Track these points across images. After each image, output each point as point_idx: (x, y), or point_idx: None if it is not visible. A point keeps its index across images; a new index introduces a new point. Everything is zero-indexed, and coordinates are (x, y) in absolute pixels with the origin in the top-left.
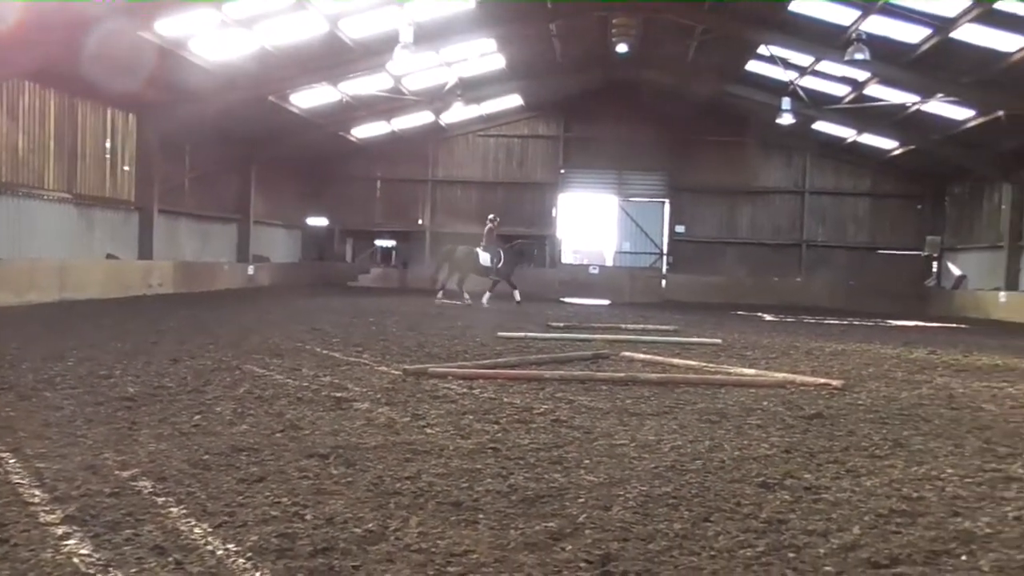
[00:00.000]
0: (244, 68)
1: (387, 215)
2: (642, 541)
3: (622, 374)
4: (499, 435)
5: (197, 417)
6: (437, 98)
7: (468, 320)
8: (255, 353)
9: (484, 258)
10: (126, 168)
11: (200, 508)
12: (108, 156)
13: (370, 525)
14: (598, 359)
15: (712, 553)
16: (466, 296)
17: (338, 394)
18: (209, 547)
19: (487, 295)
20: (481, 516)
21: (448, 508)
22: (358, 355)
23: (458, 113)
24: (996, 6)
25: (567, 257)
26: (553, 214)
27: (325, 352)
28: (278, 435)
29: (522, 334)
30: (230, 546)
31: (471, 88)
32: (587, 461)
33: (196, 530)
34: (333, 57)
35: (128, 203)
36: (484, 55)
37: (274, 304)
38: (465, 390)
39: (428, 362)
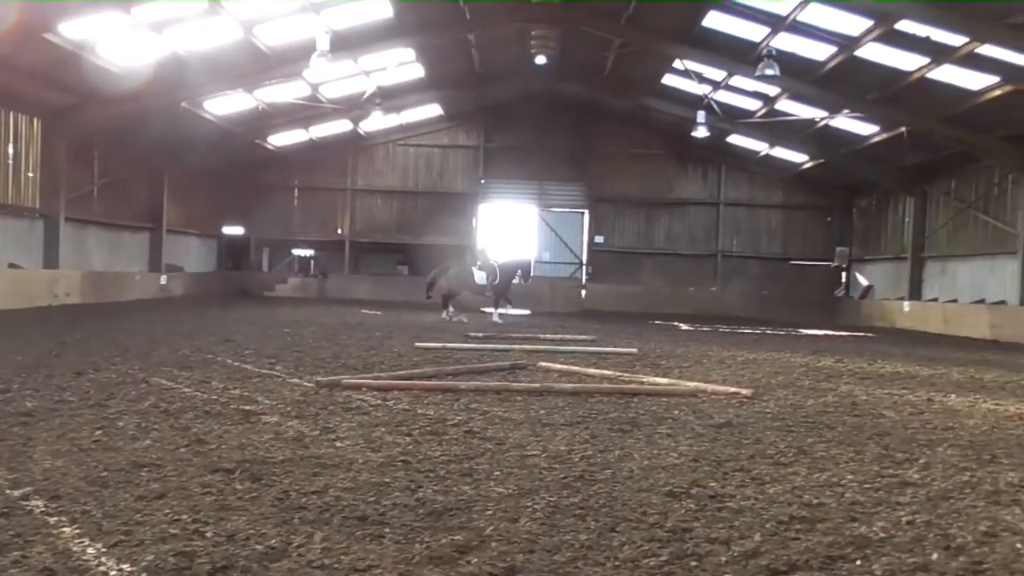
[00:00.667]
0: (155, 73)
1: (305, 224)
2: (548, 553)
3: (537, 384)
4: (410, 447)
5: (98, 432)
6: (356, 107)
7: (387, 331)
8: (163, 365)
9: (479, 276)
10: (31, 174)
11: (95, 527)
12: (11, 162)
13: (272, 541)
14: (515, 369)
15: (616, 563)
16: (450, 311)
17: (247, 407)
18: (102, 568)
19: (495, 312)
20: (387, 530)
21: (354, 523)
22: (271, 367)
23: (377, 122)
24: (896, 26)
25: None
26: (473, 224)
27: (236, 364)
28: (182, 450)
29: (440, 345)
30: (124, 566)
31: (390, 97)
32: (497, 473)
33: (89, 550)
34: (248, 64)
35: (32, 210)
36: (403, 64)
37: (186, 315)
38: (379, 402)
39: (343, 373)
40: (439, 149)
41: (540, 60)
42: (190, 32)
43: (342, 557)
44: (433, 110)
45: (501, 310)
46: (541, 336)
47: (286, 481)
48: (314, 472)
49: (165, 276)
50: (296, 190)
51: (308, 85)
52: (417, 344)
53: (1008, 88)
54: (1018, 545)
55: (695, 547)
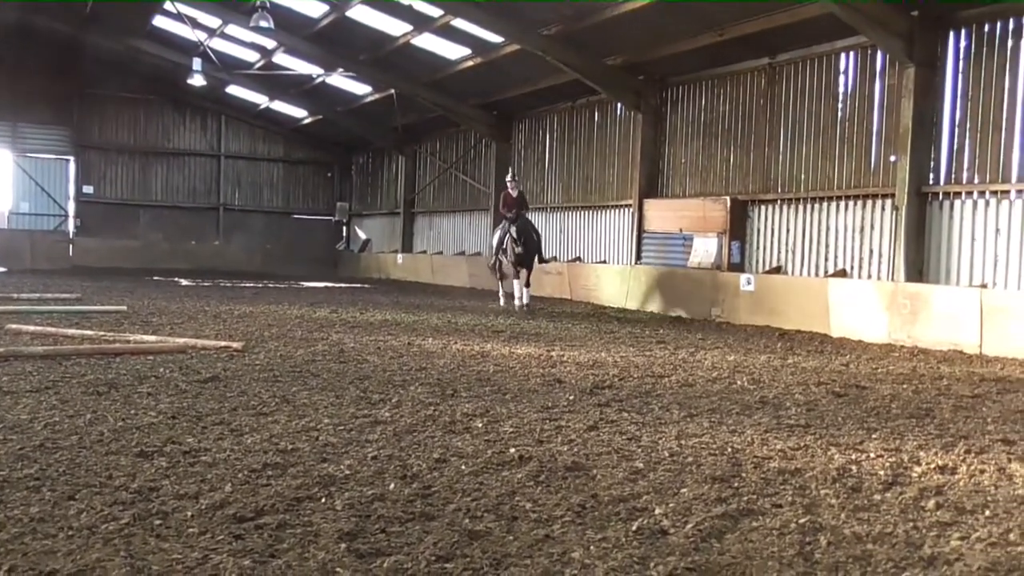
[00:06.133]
0: None
1: None
2: None
3: (1, 349)
4: None
5: None
6: None
7: None
8: None
9: (497, 235)
10: None
11: None
12: None
13: None
14: None
15: (70, 532)
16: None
17: None
18: None
19: (524, 292)
20: None
21: None
22: None
23: None
24: None
25: None
26: None
27: None
28: None
29: None
30: None
31: None
32: None
33: None
34: None
35: None
36: None
37: None
38: None
39: None
40: None
41: None
42: None
43: None
44: None
45: (524, 296)
46: (15, 296)
47: None
48: None
49: None
50: None
51: None
52: None
53: (478, 60)
54: (463, 467)
55: (161, 505)
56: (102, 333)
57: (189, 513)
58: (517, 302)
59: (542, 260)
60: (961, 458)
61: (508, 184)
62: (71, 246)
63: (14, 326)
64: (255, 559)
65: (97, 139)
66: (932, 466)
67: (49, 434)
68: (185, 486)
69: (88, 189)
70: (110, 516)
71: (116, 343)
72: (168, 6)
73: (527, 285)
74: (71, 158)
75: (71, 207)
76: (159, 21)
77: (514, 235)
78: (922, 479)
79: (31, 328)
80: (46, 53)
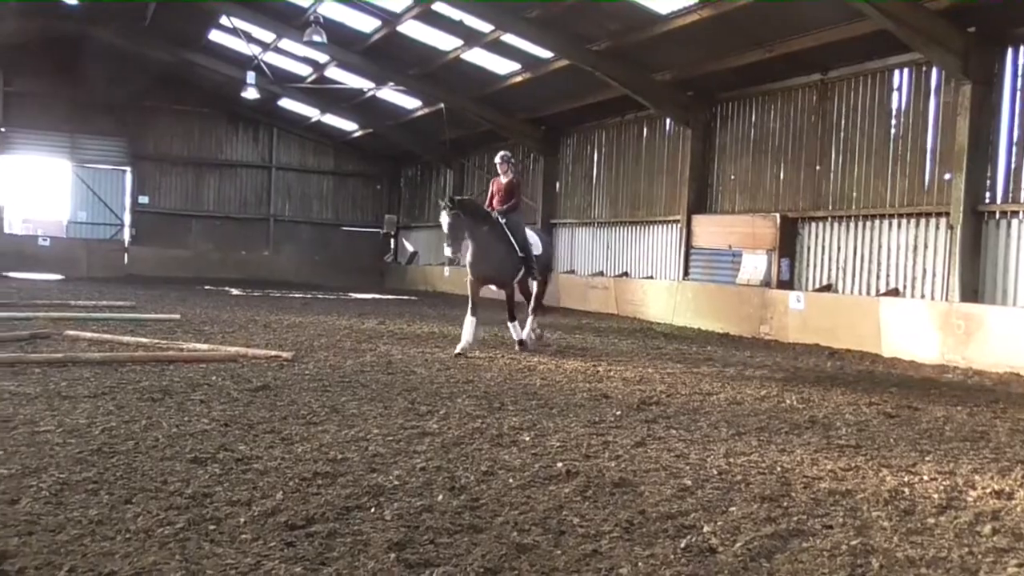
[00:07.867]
0: None
1: None
2: (50, 532)
3: (60, 355)
4: None
5: None
6: None
7: None
8: None
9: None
10: None
11: None
12: None
13: None
14: (35, 339)
15: (127, 535)
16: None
17: None
18: None
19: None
20: None
21: None
22: None
23: None
24: (434, 7)
25: (12, 227)
26: None
27: None
28: None
29: None
30: None
31: None
32: (0, 452)
33: None
34: None
35: None
36: None
37: None
38: None
39: None
40: None
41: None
42: None
43: None
44: None
45: (524, 328)
46: (73, 303)
47: None
48: None
49: None
50: None
51: None
52: None
53: (527, 75)
54: (510, 480)
55: (215, 511)
56: (156, 341)
57: (242, 519)
58: (515, 335)
59: (532, 276)
60: (1018, 483)
61: (498, 166)
62: (126, 255)
63: (72, 332)
64: (306, 566)
65: (152, 150)
66: (988, 490)
67: (106, 439)
68: (238, 493)
69: (143, 199)
70: (166, 520)
71: (170, 351)
72: (224, 20)
73: (513, 319)
74: (127, 168)
75: (127, 217)
76: (215, 35)
77: (446, 229)
78: (978, 503)
79: (88, 334)
80: (105, 66)
